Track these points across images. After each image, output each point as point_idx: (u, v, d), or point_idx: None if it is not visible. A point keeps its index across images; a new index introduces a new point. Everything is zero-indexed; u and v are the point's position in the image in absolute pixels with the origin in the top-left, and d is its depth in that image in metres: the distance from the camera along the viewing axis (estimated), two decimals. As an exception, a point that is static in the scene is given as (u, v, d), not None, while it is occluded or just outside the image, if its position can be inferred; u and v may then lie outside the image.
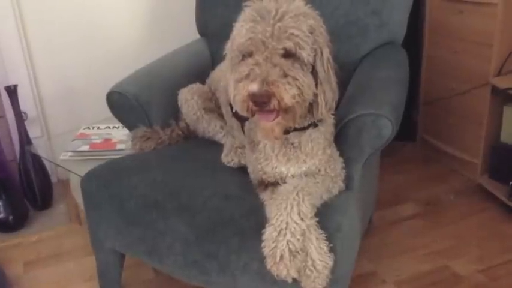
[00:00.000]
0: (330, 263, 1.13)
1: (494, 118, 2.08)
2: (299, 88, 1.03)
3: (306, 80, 1.05)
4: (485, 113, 2.08)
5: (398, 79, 1.47)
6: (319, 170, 1.23)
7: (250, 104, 1.03)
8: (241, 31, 1.07)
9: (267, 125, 1.07)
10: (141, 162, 1.48)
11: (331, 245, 1.14)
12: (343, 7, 1.67)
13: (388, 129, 1.29)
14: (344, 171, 1.30)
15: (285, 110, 1.04)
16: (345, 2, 1.67)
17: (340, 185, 1.28)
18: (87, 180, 1.47)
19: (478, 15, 2.01)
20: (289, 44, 1.03)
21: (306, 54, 1.05)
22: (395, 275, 1.67)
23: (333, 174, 1.25)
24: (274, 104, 1.01)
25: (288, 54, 1.04)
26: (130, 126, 1.63)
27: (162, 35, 2.38)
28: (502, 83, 1.94)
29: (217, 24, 1.92)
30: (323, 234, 1.14)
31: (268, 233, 1.11)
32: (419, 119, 2.49)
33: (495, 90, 2.01)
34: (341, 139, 1.32)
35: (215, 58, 1.91)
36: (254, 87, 1.00)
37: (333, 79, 1.13)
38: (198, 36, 2.04)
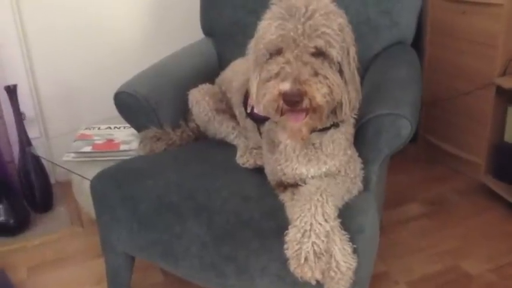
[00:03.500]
0: (354, 264, 1.12)
1: (497, 118, 2.10)
2: (329, 87, 1.02)
3: (336, 79, 1.04)
4: (489, 113, 2.09)
5: (413, 78, 1.47)
6: (339, 171, 1.22)
7: (281, 103, 1.01)
8: (269, 29, 1.05)
9: (295, 126, 1.06)
10: (153, 163, 1.46)
11: (355, 246, 1.13)
12: (354, 7, 1.67)
13: (407, 129, 1.28)
14: (363, 171, 1.29)
15: (314, 110, 1.03)
16: (355, 1, 1.67)
17: (360, 185, 1.27)
18: (98, 182, 1.44)
19: (482, 16, 2.02)
20: (320, 42, 1.02)
21: (335, 53, 1.03)
22: (407, 275, 1.67)
23: (352, 175, 1.24)
24: (306, 103, 1.00)
25: (317, 53, 1.03)
26: (139, 127, 1.60)
27: (163, 36, 2.36)
28: (507, 83, 1.95)
29: (223, 24, 1.90)
30: (346, 236, 1.13)
31: (292, 234, 1.09)
32: (422, 120, 2.49)
33: (500, 91, 2.02)
34: (359, 139, 1.31)
35: (222, 58, 1.89)
36: (286, 86, 0.99)
37: (358, 79, 1.12)
38: (201, 36, 2.02)
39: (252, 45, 1.14)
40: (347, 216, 1.17)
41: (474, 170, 2.23)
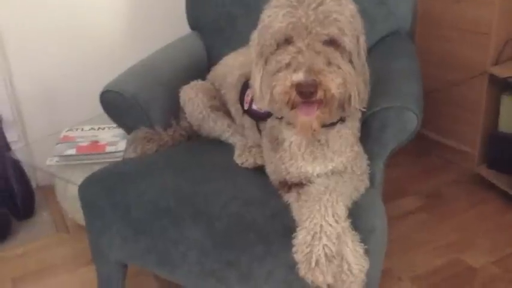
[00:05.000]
0: (366, 266, 1.06)
1: (491, 108, 2.07)
2: (343, 78, 0.96)
3: (349, 69, 0.98)
4: (482, 103, 2.07)
5: (414, 70, 1.42)
6: (346, 168, 1.17)
7: (293, 95, 0.95)
8: (276, 17, 0.98)
9: (306, 120, 0.99)
10: (146, 166, 1.37)
11: (366, 247, 1.07)
12: (348, -4, 1.61)
13: (413, 122, 1.24)
14: (369, 168, 1.23)
15: (325, 103, 0.97)
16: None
17: (366, 183, 1.21)
18: (87, 187, 1.36)
19: (474, 4, 1.99)
20: (333, 30, 0.95)
21: (348, 41, 0.97)
22: (410, 271, 1.63)
23: (359, 172, 1.19)
24: (320, 95, 0.94)
25: (329, 41, 0.96)
26: (128, 128, 1.51)
27: (147, 31, 2.25)
28: (501, 71, 1.93)
29: (211, 17, 1.82)
30: (357, 236, 1.07)
31: (302, 237, 1.03)
32: (412, 111, 2.46)
33: (493, 79, 1.99)
34: (363, 134, 1.24)
35: (211, 53, 1.81)
36: (300, 76, 0.93)
37: (367, 70, 1.06)
38: (187, 30, 1.93)
39: (255, 36, 1.07)
40: (356, 215, 1.11)
41: (467, 160, 2.20)
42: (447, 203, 2.01)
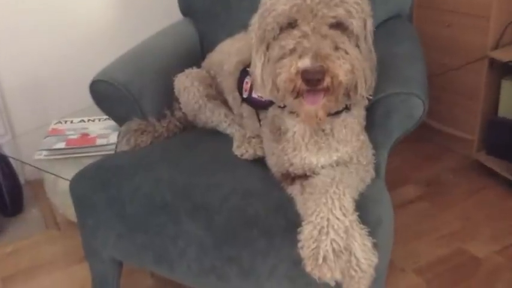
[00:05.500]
0: (375, 260, 1.01)
1: (491, 93, 2.03)
2: (351, 63, 0.90)
3: (357, 54, 0.92)
4: (481, 88, 2.03)
5: (417, 55, 1.37)
6: (351, 159, 1.11)
7: (299, 83, 0.89)
8: None
9: (311, 109, 0.93)
10: (140, 159, 1.31)
11: (374, 240, 1.02)
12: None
13: (419, 109, 1.19)
14: (374, 157, 1.18)
15: (332, 91, 0.91)
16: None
17: (372, 173, 1.17)
18: (79, 183, 1.30)
19: (473, -14, 1.94)
20: (340, 12, 0.90)
21: (355, 24, 0.92)
22: (413, 262, 1.59)
23: (365, 163, 1.14)
24: (327, 82, 0.88)
25: (336, 24, 0.90)
26: (120, 119, 1.45)
27: (136, 18, 2.17)
28: (502, 55, 1.88)
29: (204, 2, 1.75)
30: (365, 230, 1.02)
31: (308, 231, 0.98)
32: (409, 97, 2.41)
33: (493, 64, 1.95)
34: (366, 122, 1.19)
35: (204, 40, 1.74)
36: (306, 62, 0.87)
37: (374, 55, 1.00)
38: (179, 17, 1.86)
39: (255, 20, 1.01)
40: (363, 207, 1.06)
41: (466, 147, 2.16)
42: (447, 191, 1.97)
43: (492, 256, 1.61)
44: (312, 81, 0.89)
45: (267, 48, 0.98)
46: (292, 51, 0.90)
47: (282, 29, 0.94)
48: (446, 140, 2.25)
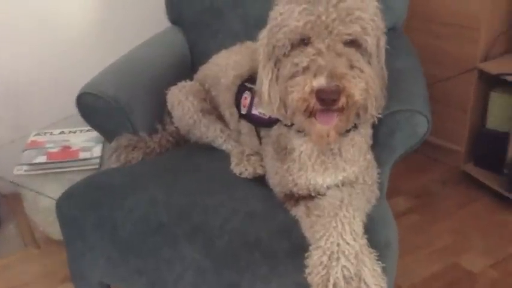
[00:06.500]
0: (384, 285, 0.97)
1: (479, 104, 2.03)
2: (366, 82, 0.86)
3: (371, 73, 0.88)
4: (470, 100, 2.03)
5: (417, 69, 1.35)
6: (357, 178, 1.08)
7: (313, 102, 0.85)
8: (292, 14, 0.87)
9: (323, 128, 0.89)
10: (132, 177, 1.24)
11: (384, 265, 0.99)
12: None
13: (423, 126, 1.16)
14: (378, 176, 1.15)
15: (345, 110, 0.88)
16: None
17: (377, 193, 1.13)
18: (67, 201, 1.22)
19: (463, -2, 1.94)
20: (356, 29, 0.86)
21: (370, 42, 0.88)
22: (408, 278, 1.57)
23: (370, 182, 1.10)
24: (342, 102, 0.84)
25: (350, 42, 0.87)
26: (109, 134, 1.37)
27: (122, 25, 2.08)
28: (491, 68, 1.88)
29: (194, 10, 1.68)
30: (374, 254, 0.98)
31: (317, 257, 0.93)
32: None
33: (482, 76, 1.95)
34: (370, 139, 1.16)
35: (195, 50, 1.67)
36: (322, 81, 0.83)
37: (385, 73, 0.97)
38: (167, 24, 1.79)
39: (264, 35, 0.96)
40: (371, 230, 1.02)
41: (454, 158, 2.16)
42: (437, 204, 1.96)
43: (487, 271, 1.59)
44: (327, 100, 0.85)
45: (275, 64, 0.94)
46: (306, 69, 0.86)
47: (293, 46, 0.90)
48: (434, 151, 2.24)
